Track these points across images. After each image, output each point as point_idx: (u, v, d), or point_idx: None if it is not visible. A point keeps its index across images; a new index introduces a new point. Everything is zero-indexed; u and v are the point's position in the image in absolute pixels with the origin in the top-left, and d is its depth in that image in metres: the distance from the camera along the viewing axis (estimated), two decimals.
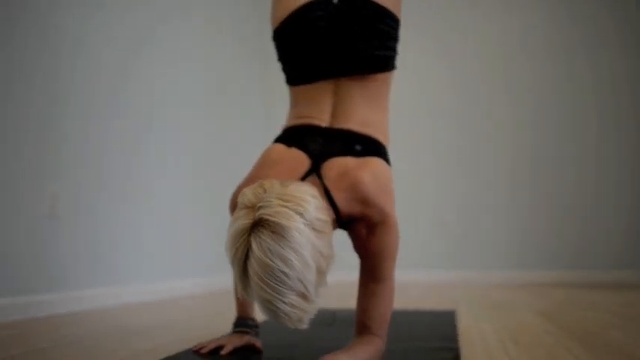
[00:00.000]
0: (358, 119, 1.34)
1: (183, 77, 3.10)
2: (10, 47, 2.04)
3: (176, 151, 2.98)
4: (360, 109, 1.35)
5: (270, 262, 0.97)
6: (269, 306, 1.01)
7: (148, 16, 2.78)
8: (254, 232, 0.99)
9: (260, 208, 1.00)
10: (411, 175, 3.88)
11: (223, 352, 1.33)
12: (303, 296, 1.01)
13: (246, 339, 1.40)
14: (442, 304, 2.44)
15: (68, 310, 2.19)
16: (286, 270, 0.98)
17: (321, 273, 1.03)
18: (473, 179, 3.88)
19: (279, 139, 1.35)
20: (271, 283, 0.98)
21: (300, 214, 1.00)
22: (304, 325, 1.06)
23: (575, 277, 3.61)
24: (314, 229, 1.02)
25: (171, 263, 2.87)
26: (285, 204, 1.00)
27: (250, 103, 3.80)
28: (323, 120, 1.34)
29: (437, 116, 3.97)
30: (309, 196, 1.04)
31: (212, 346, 1.36)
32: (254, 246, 0.98)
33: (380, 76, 1.38)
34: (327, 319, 1.82)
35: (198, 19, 3.25)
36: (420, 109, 3.98)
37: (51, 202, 2.18)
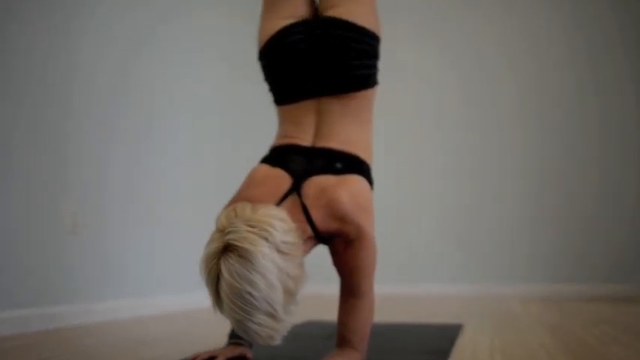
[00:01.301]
0: (340, 137, 1.39)
1: (198, 98, 3.20)
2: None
3: (188, 168, 3.06)
4: (343, 127, 1.40)
5: (238, 285, 1.04)
6: (240, 325, 1.08)
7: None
8: (223, 256, 1.06)
9: (228, 233, 1.07)
10: (422, 186, 3.89)
11: None
12: (271, 315, 1.07)
13: (238, 350, 1.47)
14: (454, 318, 2.45)
15: (85, 322, 2.31)
16: (253, 292, 1.04)
17: (288, 293, 1.09)
18: (485, 190, 3.83)
19: (264, 159, 1.42)
20: (240, 304, 1.04)
21: (265, 239, 1.06)
22: (276, 342, 1.12)
23: (592, 290, 3.51)
24: (280, 251, 1.08)
25: (182, 277, 2.88)
26: (250, 229, 1.06)
27: (262, 121, 3.87)
28: (306, 139, 1.40)
29: (448, 126, 3.93)
30: (275, 220, 1.10)
31: (205, 356, 1.43)
32: (223, 269, 1.05)
33: (360, 94, 1.43)
34: (325, 333, 1.87)
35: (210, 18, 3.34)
36: (427, 116, 3.96)
37: (71, 220, 2.32)
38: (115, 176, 2.60)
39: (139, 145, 2.76)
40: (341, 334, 1.29)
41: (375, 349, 1.60)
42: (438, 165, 3.92)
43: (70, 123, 2.38)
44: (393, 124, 3.92)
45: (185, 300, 2.92)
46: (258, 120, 2.94)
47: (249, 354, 1.47)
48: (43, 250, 2.21)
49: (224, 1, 3.58)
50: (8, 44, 2.12)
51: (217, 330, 1.97)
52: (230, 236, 1.06)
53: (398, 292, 3.85)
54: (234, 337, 1.50)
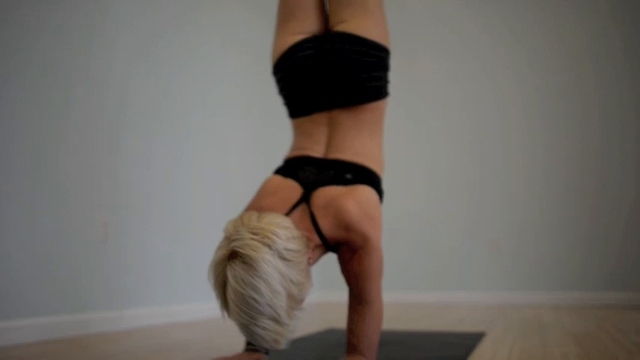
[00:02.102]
0: (351, 149, 1.43)
1: (224, 104, 3.28)
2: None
3: (213, 179, 3.15)
4: (354, 138, 1.44)
5: (242, 290, 1.08)
6: (245, 329, 1.12)
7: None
8: (229, 262, 1.10)
9: (233, 240, 1.11)
10: (453, 194, 3.87)
11: None
12: (275, 320, 1.10)
13: (254, 356, 1.51)
14: (481, 326, 2.43)
15: (112, 329, 2.40)
16: (256, 297, 1.08)
17: (292, 298, 1.12)
18: (520, 198, 3.78)
19: (277, 170, 1.46)
20: (244, 308, 1.09)
21: (268, 246, 1.10)
22: (281, 346, 1.15)
23: (631, 298, 3.42)
24: (283, 258, 1.11)
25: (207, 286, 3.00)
26: (254, 237, 1.10)
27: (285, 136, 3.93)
28: (317, 151, 1.44)
29: (481, 135, 3.91)
30: (279, 228, 1.13)
31: None
32: (229, 275, 1.09)
33: (371, 106, 1.46)
34: (343, 339, 1.89)
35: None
36: (461, 124, 3.95)
37: (102, 229, 2.42)
38: (154, 204, 2.71)
39: (168, 158, 2.84)
40: (349, 341, 1.31)
41: (389, 357, 1.61)
42: (469, 172, 3.90)
43: (103, 134, 2.48)
44: (433, 132, 3.95)
45: (212, 307, 2.98)
46: (280, 135, 3.02)
47: None
48: (73, 259, 2.31)
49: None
50: (45, 48, 2.22)
51: (240, 337, 2.02)
52: (235, 243, 1.10)
53: (429, 300, 3.83)
54: (251, 344, 1.54)
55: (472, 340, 1.97)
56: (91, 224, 2.38)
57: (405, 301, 3.87)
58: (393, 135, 4.10)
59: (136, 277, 2.59)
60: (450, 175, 3.93)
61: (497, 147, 3.87)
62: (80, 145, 2.36)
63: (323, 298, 4.02)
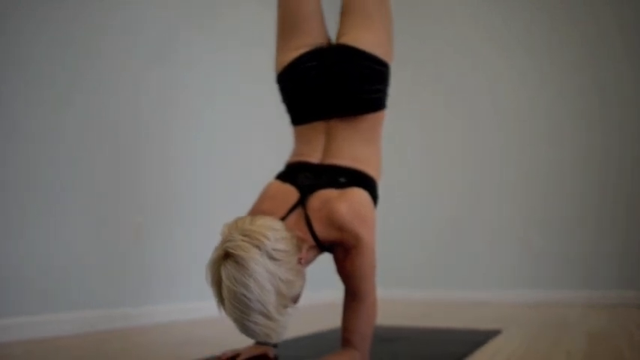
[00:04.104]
0: (348, 155, 1.50)
1: (247, 106, 3.40)
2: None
3: (237, 177, 3.23)
4: (350, 146, 1.52)
5: (235, 288, 1.17)
6: (239, 324, 1.21)
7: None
8: (223, 262, 1.21)
9: (227, 242, 1.21)
10: (481, 195, 3.87)
11: (239, 359, 1.56)
12: (265, 315, 1.19)
13: (262, 349, 1.61)
14: (499, 323, 2.45)
15: (146, 323, 2.56)
16: (247, 294, 1.17)
17: (281, 295, 1.21)
18: (550, 196, 3.73)
19: (278, 175, 1.55)
20: (237, 305, 1.18)
21: (258, 247, 1.19)
22: (273, 340, 1.24)
23: None
24: (272, 258, 1.20)
25: None
26: (244, 239, 1.20)
27: None
28: (315, 157, 1.52)
29: (505, 138, 3.88)
30: (268, 231, 1.22)
31: (230, 354, 1.59)
32: (222, 274, 1.19)
33: (369, 116, 1.54)
34: None
35: None
36: (487, 127, 3.93)
37: (136, 228, 2.60)
38: (184, 204, 2.86)
39: (194, 158, 2.97)
40: (343, 335, 1.39)
41: (391, 352, 1.68)
42: (495, 173, 3.89)
43: (129, 138, 2.63)
44: (454, 135, 3.97)
45: None
46: None
47: (271, 353, 1.60)
48: (108, 256, 2.48)
49: None
50: (77, 50, 2.38)
51: None
52: (228, 244, 1.20)
53: (456, 298, 3.84)
54: None
55: (485, 337, 2.01)
56: (126, 225, 2.55)
57: (432, 299, 3.89)
58: (417, 132, 4.16)
59: (165, 275, 2.75)
60: (477, 174, 3.93)
61: (524, 145, 3.84)
62: (111, 149, 2.53)
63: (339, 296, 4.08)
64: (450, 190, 3.99)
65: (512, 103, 3.89)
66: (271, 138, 3.58)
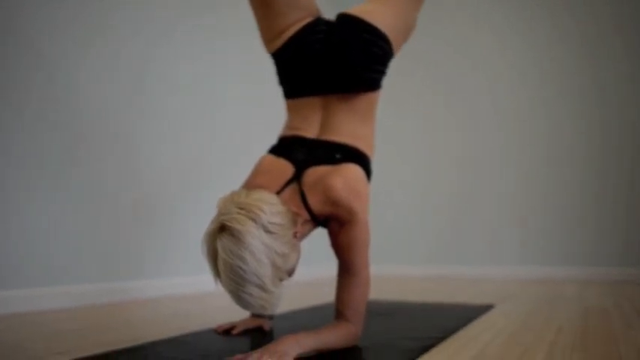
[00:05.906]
0: (343, 132, 1.50)
1: (252, 90, 3.39)
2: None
3: (241, 156, 3.27)
4: (347, 123, 1.52)
5: (230, 260, 1.19)
6: (234, 295, 1.23)
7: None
8: (219, 235, 1.22)
9: (223, 215, 1.23)
10: (483, 173, 3.88)
11: (234, 332, 1.59)
12: (260, 287, 1.21)
13: (258, 322, 1.65)
14: (494, 299, 2.48)
15: (144, 296, 2.60)
16: (242, 266, 1.18)
17: (276, 268, 1.23)
18: (551, 174, 3.74)
19: (271, 150, 1.56)
20: (232, 277, 1.20)
21: (253, 220, 1.20)
22: (267, 311, 1.26)
23: None
24: (267, 231, 1.21)
25: None
26: (240, 212, 1.21)
27: None
28: (311, 132, 1.52)
29: (514, 115, 3.88)
30: (264, 204, 1.23)
31: (226, 326, 1.62)
32: (218, 247, 1.21)
33: (366, 95, 1.53)
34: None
35: None
36: (488, 108, 3.92)
37: (134, 204, 2.61)
38: (185, 181, 2.88)
39: (196, 136, 3.00)
40: (337, 308, 1.41)
41: (384, 325, 1.71)
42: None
43: (134, 116, 2.66)
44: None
45: None
46: None
47: (266, 325, 1.64)
48: (110, 233, 2.51)
49: None
50: (96, 49, 2.41)
51: None
52: (223, 217, 1.21)
53: (458, 273, 3.88)
54: None
55: (474, 312, 2.04)
56: (127, 201, 2.57)
57: (433, 274, 3.93)
58: (421, 115, 4.15)
59: (164, 250, 2.78)
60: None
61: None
62: (109, 124, 2.54)
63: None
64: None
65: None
66: (271, 115, 3.59)
